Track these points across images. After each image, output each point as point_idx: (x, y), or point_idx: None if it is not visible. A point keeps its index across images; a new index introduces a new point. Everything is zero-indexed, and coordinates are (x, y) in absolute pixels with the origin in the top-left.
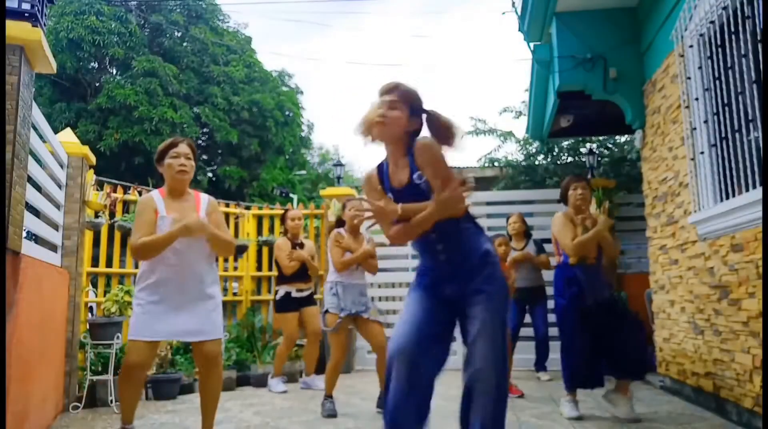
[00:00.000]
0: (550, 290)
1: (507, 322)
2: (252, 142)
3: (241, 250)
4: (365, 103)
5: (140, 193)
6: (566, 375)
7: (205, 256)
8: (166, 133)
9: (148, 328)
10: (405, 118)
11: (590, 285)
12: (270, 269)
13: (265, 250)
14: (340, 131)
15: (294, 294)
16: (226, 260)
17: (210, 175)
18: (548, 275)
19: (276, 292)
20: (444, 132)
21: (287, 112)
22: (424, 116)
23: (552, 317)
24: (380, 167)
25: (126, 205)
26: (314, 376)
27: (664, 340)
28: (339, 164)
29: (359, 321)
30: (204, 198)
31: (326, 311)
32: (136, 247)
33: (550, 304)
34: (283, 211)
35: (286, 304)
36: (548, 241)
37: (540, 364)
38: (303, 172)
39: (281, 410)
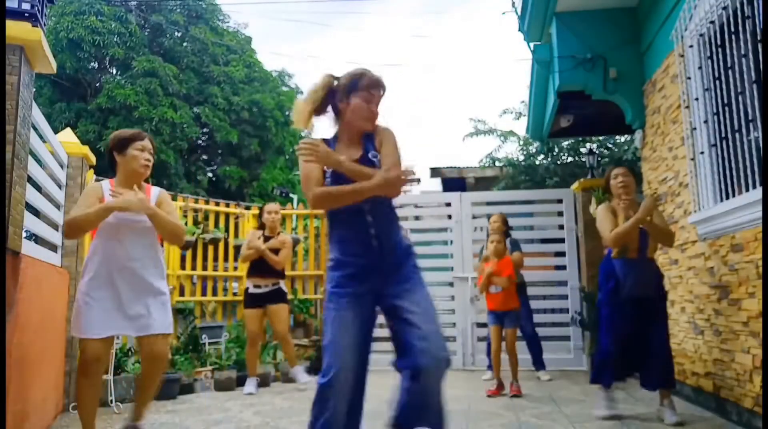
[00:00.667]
0: (550, 290)
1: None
2: (252, 142)
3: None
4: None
5: None
6: (594, 370)
7: (150, 248)
8: (167, 133)
9: (97, 324)
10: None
11: (628, 280)
12: None
13: None
14: None
15: (251, 289)
16: (226, 260)
17: (210, 175)
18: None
19: None
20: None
21: (287, 112)
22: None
23: (559, 317)
24: (327, 142)
25: None
26: (297, 369)
27: None
28: None
29: None
30: (155, 190)
31: None
32: (66, 222)
33: (552, 303)
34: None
35: (245, 300)
36: (549, 240)
37: (538, 363)
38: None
39: (281, 410)
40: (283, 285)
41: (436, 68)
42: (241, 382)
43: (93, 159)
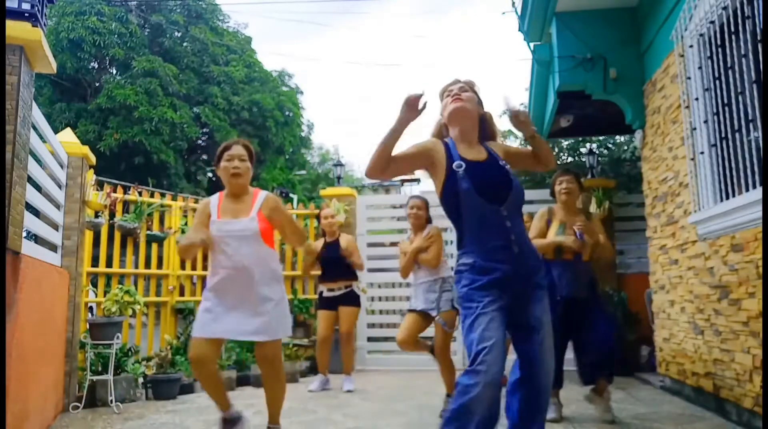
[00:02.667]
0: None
1: None
2: (252, 142)
3: None
4: (365, 102)
5: (140, 193)
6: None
7: (260, 257)
8: (166, 133)
9: (203, 326)
10: (475, 100)
11: (562, 281)
12: None
13: None
14: (339, 131)
15: (325, 293)
16: None
17: (210, 175)
18: None
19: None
20: (490, 136)
21: (287, 112)
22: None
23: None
24: (445, 143)
25: (126, 205)
26: (347, 377)
27: (664, 340)
28: (339, 164)
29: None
30: (260, 197)
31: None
32: (179, 247)
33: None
34: (318, 211)
35: (320, 302)
36: None
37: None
38: (303, 172)
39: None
40: (356, 287)
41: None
42: (241, 382)
43: (93, 159)
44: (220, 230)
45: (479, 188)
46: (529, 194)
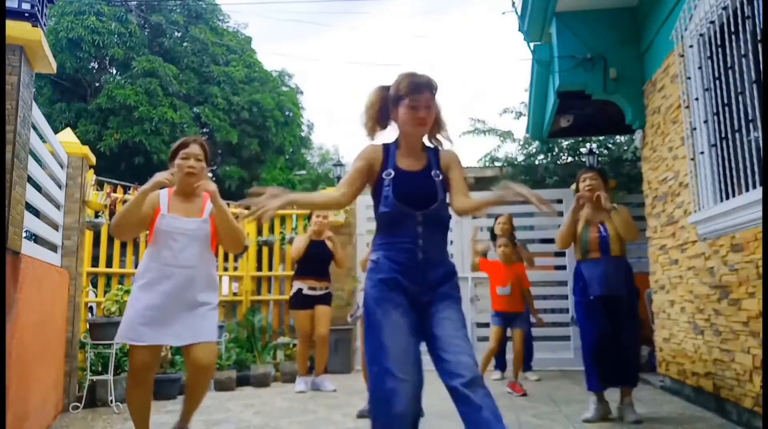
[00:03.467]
0: (552, 290)
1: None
2: (252, 142)
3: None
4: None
5: None
6: (586, 377)
7: (204, 260)
8: (166, 133)
9: (143, 332)
10: (436, 113)
11: (594, 280)
12: (270, 269)
13: (264, 250)
14: (339, 131)
15: (306, 291)
16: (225, 260)
17: (210, 175)
18: (548, 276)
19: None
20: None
21: (287, 112)
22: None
23: (559, 317)
24: (386, 147)
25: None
26: (323, 377)
27: (664, 340)
28: (339, 164)
29: None
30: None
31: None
32: (112, 223)
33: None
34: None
35: (296, 301)
36: (550, 241)
37: (525, 364)
38: (303, 172)
39: (281, 410)
40: (331, 288)
41: (436, 68)
42: (241, 382)
43: (93, 159)
44: (170, 225)
45: (400, 195)
46: None
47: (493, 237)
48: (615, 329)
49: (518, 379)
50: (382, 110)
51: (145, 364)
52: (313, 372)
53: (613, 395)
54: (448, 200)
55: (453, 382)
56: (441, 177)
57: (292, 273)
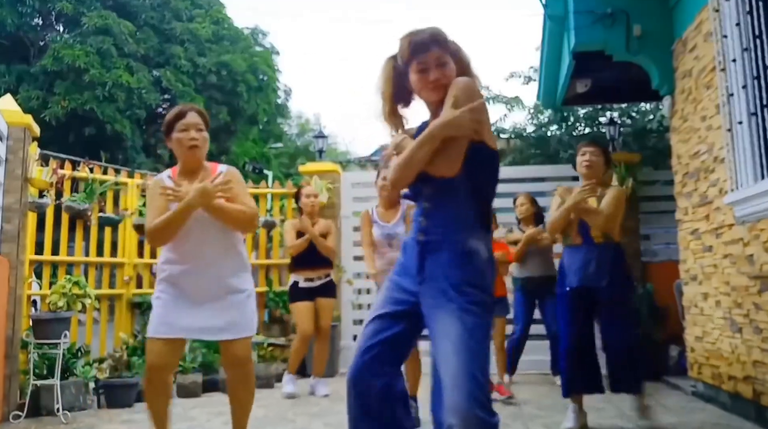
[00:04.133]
0: None
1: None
2: (220, 110)
3: None
4: (351, 65)
5: (91, 170)
6: (561, 376)
7: (226, 239)
8: (121, 99)
9: (163, 324)
10: (454, 69)
11: (572, 269)
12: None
13: None
14: (322, 98)
15: (302, 283)
16: None
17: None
18: None
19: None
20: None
21: (261, 76)
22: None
23: None
24: (421, 130)
25: (75, 182)
26: (318, 380)
27: (696, 338)
28: (321, 136)
29: None
30: (221, 168)
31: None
32: (149, 232)
33: None
34: (296, 188)
35: (294, 294)
36: None
37: (556, 367)
38: (279, 144)
39: (254, 420)
40: (334, 276)
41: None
42: (207, 387)
43: (37, 130)
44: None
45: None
46: (541, 170)
47: (517, 222)
48: (600, 326)
49: (504, 378)
50: (398, 85)
51: (160, 362)
52: (311, 374)
53: (612, 401)
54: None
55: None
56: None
57: (266, 261)
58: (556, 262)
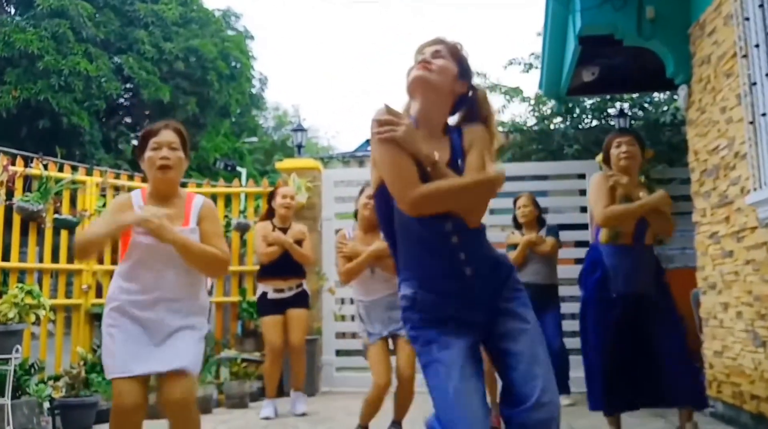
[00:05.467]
0: (565, 290)
1: None
2: (188, 100)
3: None
4: (333, 50)
5: (46, 166)
6: (588, 393)
7: (194, 279)
8: (79, 89)
9: (131, 358)
10: (453, 72)
11: (619, 272)
12: None
13: None
14: (301, 87)
15: (271, 295)
16: None
17: (135, 142)
18: (566, 272)
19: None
20: (482, 119)
21: (233, 63)
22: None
23: (568, 325)
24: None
25: (28, 180)
26: (298, 394)
27: (715, 353)
28: (300, 129)
29: (395, 340)
30: (197, 203)
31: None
32: (76, 242)
33: (568, 307)
34: (273, 188)
35: (262, 307)
36: (568, 226)
37: (559, 385)
38: (254, 139)
39: None
40: (307, 286)
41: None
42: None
43: None
44: (151, 239)
45: None
46: (543, 167)
47: (517, 225)
48: (650, 336)
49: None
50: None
51: (135, 403)
52: (291, 391)
53: (653, 424)
54: None
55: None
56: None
57: (239, 268)
58: (561, 269)
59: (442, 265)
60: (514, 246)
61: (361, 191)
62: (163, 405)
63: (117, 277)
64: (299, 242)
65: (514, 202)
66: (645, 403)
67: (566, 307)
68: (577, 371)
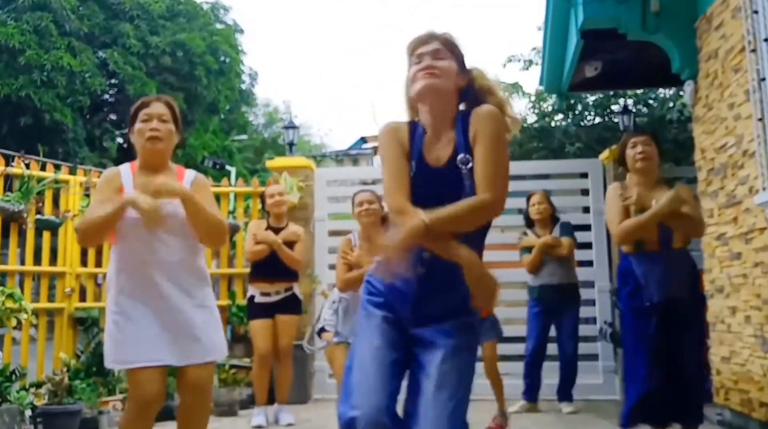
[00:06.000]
0: (584, 292)
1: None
2: (176, 96)
3: None
4: (327, 44)
5: (27, 165)
6: (625, 403)
7: (191, 252)
8: (62, 85)
9: (147, 347)
10: (455, 69)
11: (651, 280)
12: None
13: None
14: (292, 83)
15: (257, 298)
16: None
17: (120, 140)
18: (585, 274)
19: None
20: (480, 100)
21: (222, 58)
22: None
23: (584, 329)
24: (414, 127)
25: (9, 180)
26: (281, 407)
27: (722, 359)
28: (291, 126)
29: None
30: (189, 174)
31: (322, 329)
32: (77, 228)
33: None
34: (264, 188)
35: (251, 311)
36: (577, 227)
37: (564, 392)
38: (243, 136)
39: None
40: (297, 289)
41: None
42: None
43: None
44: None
45: (414, 199)
46: (544, 166)
47: (529, 223)
48: (674, 348)
49: (503, 410)
50: None
51: (157, 393)
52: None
53: None
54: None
55: None
56: (471, 164)
57: (229, 271)
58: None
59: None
60: (528, 249)
61: (354, 200)
62: (184, 387)
63: (113, 260)
64: (291, 244)
65: (527, 199)
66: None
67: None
68: (582, 378)
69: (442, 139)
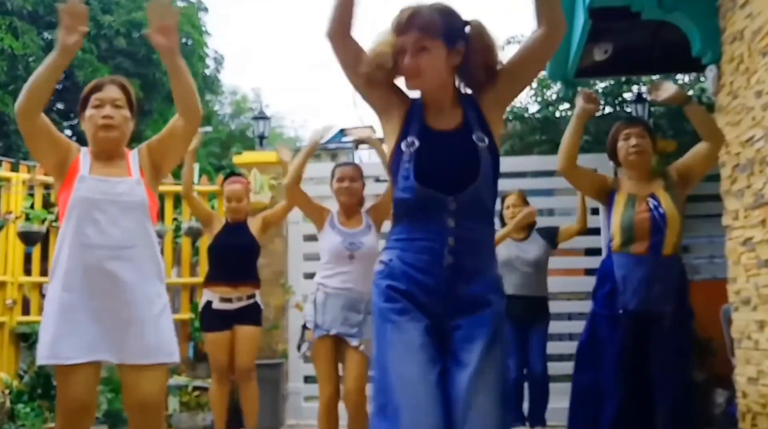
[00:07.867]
0: (572, 305)
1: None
2: (132, 83)
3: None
4: (301, 25)
5: None
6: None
7: (146, 238)
8: (3, 70)
9: (81, 341)
10: (442, 56)
11: (628, 285)
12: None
13: None
14: (263, 69)
15: (216, 304)
16: None
17: (69, 132)
18: (575, 285)
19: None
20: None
21: (184, 39)
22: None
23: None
24: (412, 103)
25: None
26: None
27: (749, 380)
28: (262, 117)
29: (344, 348)
30: (133, 155)
31: (304, 326)
32: (19, 100)
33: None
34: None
35: (206, 320)
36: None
37: (536, 416)
38: (208, 128)
39: None
40: (259, 297)
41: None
42: None
43: None
44: (94, 190)
45: (424, 173)
46: (548, 161)
47: (504, 224)
48: (653, 364)
49: None
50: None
51: (83, 398)
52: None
53: None
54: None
55: None
56: (487, 140)
57: (190, 280)
58: (553, 280)
59: (427, 240)
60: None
61: (333, 172)
62: (131, 403)
63: (59, 244)
64: (268, 224)
65: (502, 201)
66: None
67: (563, 327)
68: (557, 401)
69: (445, 112)
